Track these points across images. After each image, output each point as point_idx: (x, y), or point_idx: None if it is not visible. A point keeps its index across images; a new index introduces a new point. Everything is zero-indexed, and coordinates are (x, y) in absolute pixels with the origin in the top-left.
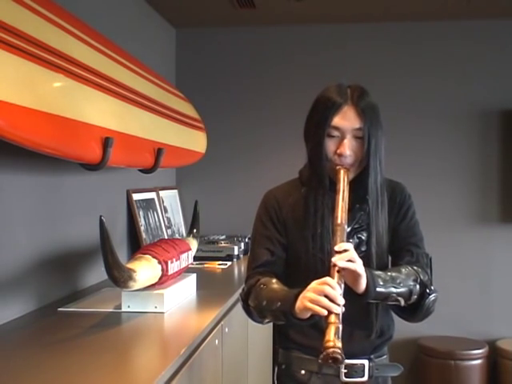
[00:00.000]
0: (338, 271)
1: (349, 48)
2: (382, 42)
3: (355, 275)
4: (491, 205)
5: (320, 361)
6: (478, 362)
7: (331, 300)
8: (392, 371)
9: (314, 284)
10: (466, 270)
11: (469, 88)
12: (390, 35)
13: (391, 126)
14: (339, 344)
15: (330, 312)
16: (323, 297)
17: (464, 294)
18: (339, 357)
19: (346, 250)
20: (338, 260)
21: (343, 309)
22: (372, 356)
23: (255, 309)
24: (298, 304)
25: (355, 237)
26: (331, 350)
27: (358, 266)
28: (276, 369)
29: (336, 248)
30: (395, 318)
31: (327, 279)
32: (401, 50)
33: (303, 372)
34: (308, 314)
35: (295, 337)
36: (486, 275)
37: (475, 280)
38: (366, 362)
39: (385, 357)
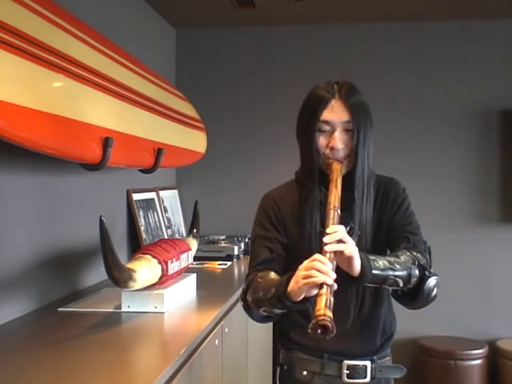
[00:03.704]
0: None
1: (349, 48)
2: (382, 41)
3: (347, 257)
4: (491, 205)
5: (309, 330)
6: (478, 361)
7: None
8: (395, 373)
9: (305, 262)
10: (466, 270)
11: (469, 88)
12: (390, 35)
13: (391, 125)
14: (330, 313)
15: (321, 285)
16: (314, 271)
17: (464, 294)
18: (329, 325)
19: (336, 232)
20: (328, 241)
21: (335, 286)
22: (375, 357)
23: (253, 303)
24: (292, 285)
25: (353, 236)
26: (321, 317)
27: (349, 246)
28: (278, 370)
29: (327, 230)
30: (396, 317)
31: (317, 256)
32: (401, 49)
33: (305, 373)
34: (301, 295)
35: (296, 337)
36: (485, 275)
37: (475, 280)
38: (368, 363)
39: (388, 358)
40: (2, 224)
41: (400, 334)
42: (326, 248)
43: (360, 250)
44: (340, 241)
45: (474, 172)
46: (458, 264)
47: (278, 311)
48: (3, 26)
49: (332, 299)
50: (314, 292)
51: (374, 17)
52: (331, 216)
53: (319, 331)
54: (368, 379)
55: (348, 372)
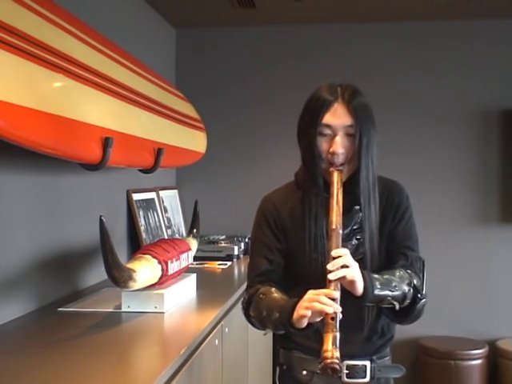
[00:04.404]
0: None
1: (349, 48)
2: (382, 41)
3: (350, 281)
4: (491, 205)
5: (319, 371)
6: (478, 362)
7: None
8: (394, 372)
9: (310, 294)
10: (466, 270)
11: (469, 88)
12: (390, 35)
13: (391, 125)
14: (337, 354)
15: (326, 319)
16: (317, 303)
17: (464, 294)
18: (337, 367)
19: (340, 256)
20: (332, 268)
21: (341, 316)
22: (374, 357)
23: (256, 319)
24: (295, 315)
25: (354, 238)
26: (329, 361)
27: (352, 271)
28: (277, 369)
29: (332, 253)
30: None
31: (323, 290)
32: (401, 49)
33: (305, 372)
34: (305, 323)
35: (296, 337)
36: (485, 275)
37: (475, 280)
38: (367, 363)
39: (387, 358)
40: (2, 224)
41: (400, 334)
42: (330, 277)
43: (370, 257)
44: (344, 265)
45: (474, 172)
46: (458, 264)
47: (281, 332)
48: (3, 26)
49: (338, 334)
50: (318, 318)
51: (374, 17)
52: (334, 238)
53: (329, 371)
54: (367, 379)
55: (347, 372)
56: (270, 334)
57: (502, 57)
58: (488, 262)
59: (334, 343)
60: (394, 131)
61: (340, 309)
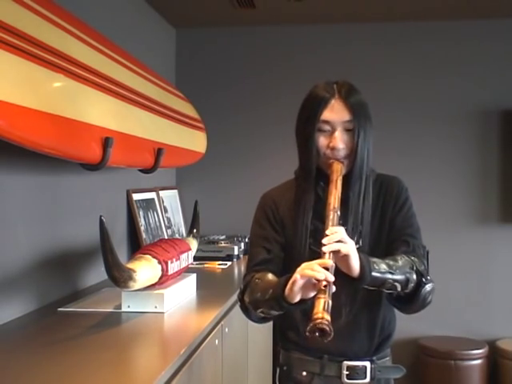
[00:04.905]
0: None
1: (349, 48)
2: (382, 41)
3: (345, 255)
4: (491, 205)
5: (307, 333)
6: (478, 362)
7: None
8: (394, 373)
9: (304, 264)
10: (466, 270)
11: (469, 88)
12: (390, 35)
13: (391, 125)
14: (327, 317)
15: (319, 286)
16: (309, 270)
17: (464, 294)
18: (327, 328)
19: (335, 233)
20: (327, 242)
21: (334, 288)
22: (374, 358)
23: (251, 303)
24: (288, 286)
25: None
26: (318, 321)
27: (345, 245)
28: (277, 370)
29: (327, 231)
30: (396, 317)
31: (317, 260)
32: (401, 50)
33: (305, 373)
34: (297, 296)
35: (295, 338)
36: (485, 275)
37: (475, 280)
38: (367, 363)
39: (387, 358)
40: (2, 224)
41: (400, 334)
42: (324, 249)
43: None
44: (339, 241)
45: (474, 172)
46: (458, 264)
47: (275, 312)
48: (3, 25)
49: (330, 302)
50: (311, 294)
51: (374, 17)
52: (331, 217)
53: (317, 334)
54: (367, 380)
55: (348, 373)
56: (269, 334)
57: (502, 57)
58: (488, 262)
59: (324, 308)
60: (393, 131)
61: (333, 278)
